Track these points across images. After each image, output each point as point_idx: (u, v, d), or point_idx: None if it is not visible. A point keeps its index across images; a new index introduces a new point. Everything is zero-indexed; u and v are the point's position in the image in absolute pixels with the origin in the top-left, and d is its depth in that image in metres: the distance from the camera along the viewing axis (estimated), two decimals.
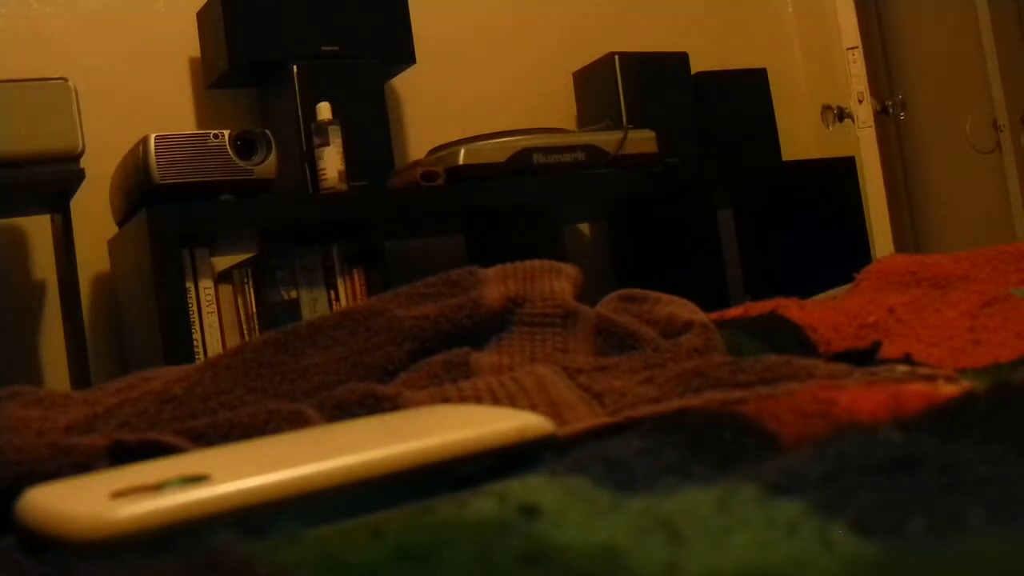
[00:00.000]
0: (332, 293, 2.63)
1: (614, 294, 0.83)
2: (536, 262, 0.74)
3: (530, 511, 0.37)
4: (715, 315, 0.84)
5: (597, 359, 0.65)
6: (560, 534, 0.35)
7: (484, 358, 0.66)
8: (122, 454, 0.54)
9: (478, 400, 0.53)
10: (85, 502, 0.40)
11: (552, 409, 0.52)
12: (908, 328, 0.68)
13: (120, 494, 0.40)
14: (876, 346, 0.65)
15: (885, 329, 0.69)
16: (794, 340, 0.70)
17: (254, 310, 2.59)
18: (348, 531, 0.36)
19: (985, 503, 0.36)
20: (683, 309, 0.73)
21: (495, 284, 0.71)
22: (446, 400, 0.53)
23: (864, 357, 0.65)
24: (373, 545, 0.34)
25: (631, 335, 0.68)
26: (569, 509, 0.37)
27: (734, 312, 0.81)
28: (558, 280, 0.71)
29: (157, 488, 0.40)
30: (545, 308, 0.69)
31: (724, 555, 0.33)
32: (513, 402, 0.53)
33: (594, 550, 0.33)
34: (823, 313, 0.71)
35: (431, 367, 0.64)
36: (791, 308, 0.73)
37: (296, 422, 0.54)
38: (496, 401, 0.53)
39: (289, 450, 0.45)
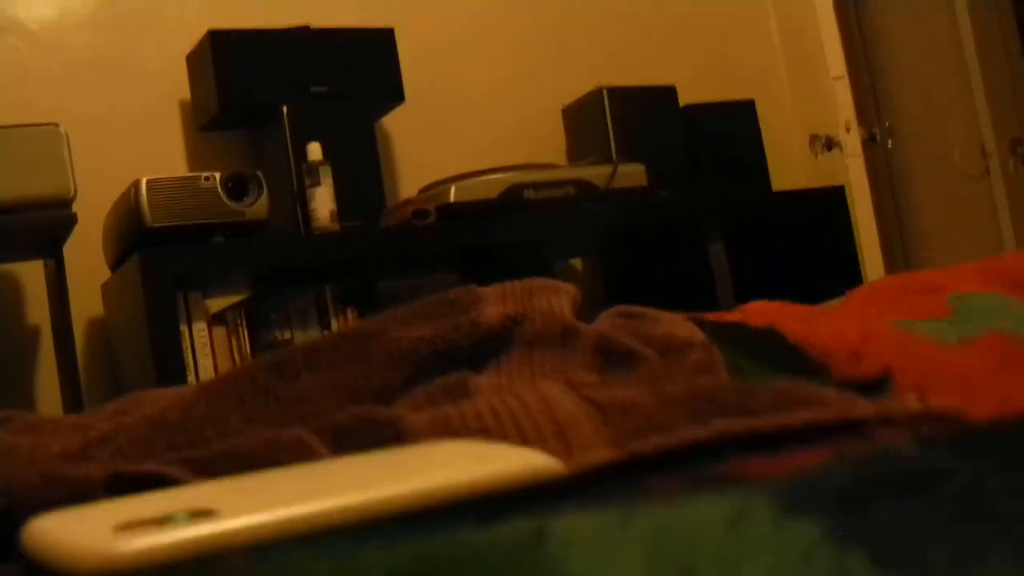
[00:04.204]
0: (326, 333, 2.63)
1: (612, 310, 0.82)
2: (535, 280, 0.73)
3: (541, 532, 0.36)
4: (712, 316, 0.83)
5: (600, 376, 0.65)
6: (572, 561, 0.34)
7: (483, 381, 0.65)
8: (119, 483, 0.54)
9: (480, 421, 0.53)
10: (89, 535, 0.40)
11: (556, 428, 0.52)
12: (917, 357, 0.67)
13: (125, 527, 0.40)
14: (886, 377, 0.64)
15: (886, 340, 0.68)
16: (792, 361, 0.69)
17: (248, 352, 2.58)
18: (361, 540, 0.35)
19: (1009, 537, 0.35)
20: (680, 329, 0.72)
21: (493, 303, 0.70)
22: (447, 421, 0.53)
23: (874, 385, 0.64)
24: (386, 555, 0.34)
25: (630, 354, 0.68)
26: (580, 530, 0.37)
27: (732, 316, 0.81)
28: (557, 298, 0.71)
29: (163, 522, 0.40)
30: (545, 327, 0.68)
31: None
32: (516, 422, 0.52)
33: None
34: (821, 323, 0.71)
35: (429, 395, 0.64)
36: (789, 322, 0.72)
37: (297, 450, 0.53)
38: (499, 421, 0.52)
39: (296, 485, 0.45)
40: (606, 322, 0.78)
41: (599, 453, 0.48)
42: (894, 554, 0.34)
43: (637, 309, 0.79)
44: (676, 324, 0.74)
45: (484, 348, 0.68)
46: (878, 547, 0.35)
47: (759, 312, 0.79)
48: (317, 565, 0.36)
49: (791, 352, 0.70)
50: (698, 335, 0.71)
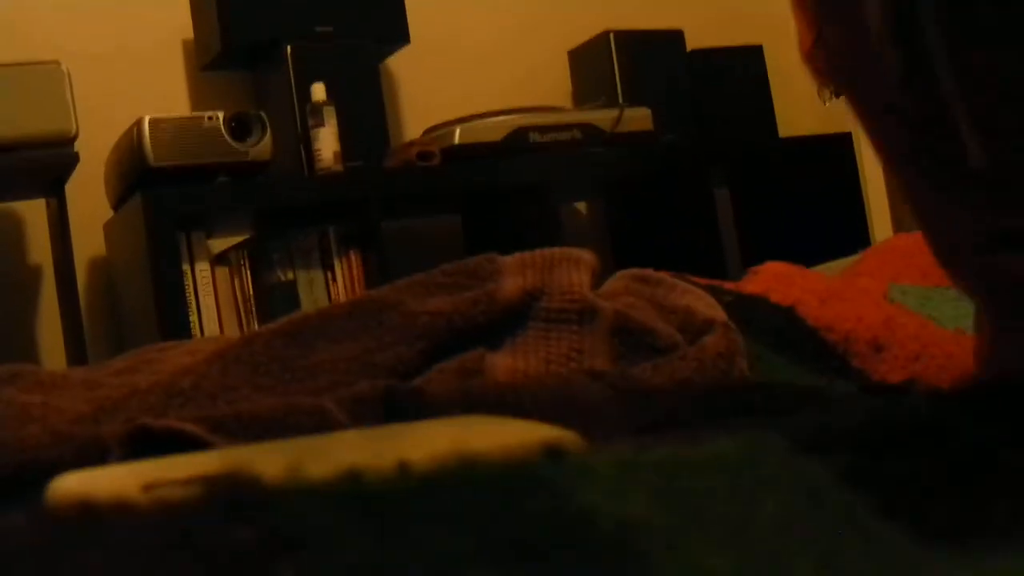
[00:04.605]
0: (329, 274, 2.63)
1: (626, 273, 0.81)
2: (556, 251, 0.72)
3: (555, 454, 0.36)
4: (731, 285, 0.83)
5: (616, 359, 0.64)
6: (585, 491, 0.34)
7: (499, 361, 0.65)
8: (135, 444, 0.54)
9: (501, 398, 0.52)
10: (116, 494, 0.40)
11: (576, 409, 0.51)
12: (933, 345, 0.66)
13: (152, 487, 0.40)
14: (911, 382, 0.64)
15: (902, 327, 0.68)
16: (812, 351, 0.69)
17: (251, 292, 2.58)
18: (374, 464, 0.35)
19: (1011, 493, 0.35)
20: (701, 303, 0.71)
21: (512, 275, 0.70)
22: (466, 396, 0.53)
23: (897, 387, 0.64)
24: (400, 480, 0.34)
25: (649, 333, 0.67)
26: (593, 460, 0.36)
27: (751, 287, 0.80)
28: (577, 271, 0.70)
29: (189, 483, 0.40)
30: (563, 303, 0.68)
31: (747, 529, 0.32)
32: (537, 401, 0.52)
33: (618, 522, 0.33)
34: (842, 306, 0.70)
35: (444, 375, 0.63)
36: (809, 301, 0.72)
37: (317, 416, 0.53)
38: (519, 399, 0.52)
39: (322, 453, 0.45)
40: (620, 286, 0.77)
41: (618, 437, 0.48)
42: (902, 505, 0.34)
43: (653, 274, 0.78)
44: (695, 296, 0.73)
45: (500, 324, 0.67)
46: (886, 496, 0.35)
47: (775, 279, 0.78)
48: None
49: (811, 340, 0.69)
50: (719, 314, 0.70)
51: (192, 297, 2.51)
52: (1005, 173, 0.46)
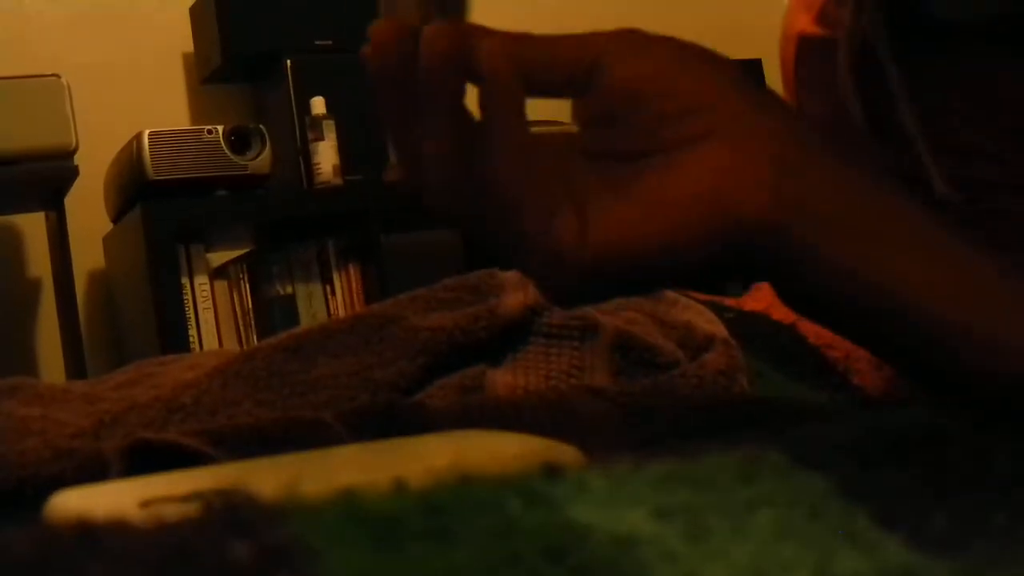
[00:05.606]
0: (328, 288, 2.63)
1: None
2: None
3: (552, 470, 0.36)
4: (732, 301, 0.83)
5: (616, 375, 0.65)
6: (581, 507, 0.34)
7: (499, 378, 0.65)
8: (135, 459, 0.54)
9: (500, 412, 0.52)
10: (114, 511, 0.40)
11: (576, 424, 0.51)
12: None
13: (150, 503, 0.40)
14: (911, 398, 0.64)
15: None
16: (813, 368, 0.69)
17: (250, 305, 2.58)
18: (371, 484, 0.35)
19: (1010, 502, 0.35)
20: (701, 318, 0.72)
21: (514, 290, 0.70)
22: (467, 411, 0.53)
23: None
24: (396, 497, 0.34)
25: (649, 349, 0.67)
26: (591, 476, 0.36)
27: (755, 304, 0.80)
28: None
29: (188, 500, 0.40)
30: (564, 319, 0.68)
31: (744, 541, 0.32)
32: (536, 417, 0.52)
33: (614, 537, 0.33)
34: None
35: (445, 392, 0.64)
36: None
37: (317, 430, 0.53)
38: (518, 413, 0.52)
39: (321, 467, 0.45)
40: (621, 301, 0.77)
41: (618, 453, 0.48)
42: (899, 515, 0.34)
43: None
44: (696, 312, 0.73)
45: (501, 340, 0.67)
46: (884, 506, 0.35)
47: (777, 296, 0.78)
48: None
49: (812, 357, 0.70)
50: (719, 330, 0.70)
51: (191, 310, 2.51)
52: None
